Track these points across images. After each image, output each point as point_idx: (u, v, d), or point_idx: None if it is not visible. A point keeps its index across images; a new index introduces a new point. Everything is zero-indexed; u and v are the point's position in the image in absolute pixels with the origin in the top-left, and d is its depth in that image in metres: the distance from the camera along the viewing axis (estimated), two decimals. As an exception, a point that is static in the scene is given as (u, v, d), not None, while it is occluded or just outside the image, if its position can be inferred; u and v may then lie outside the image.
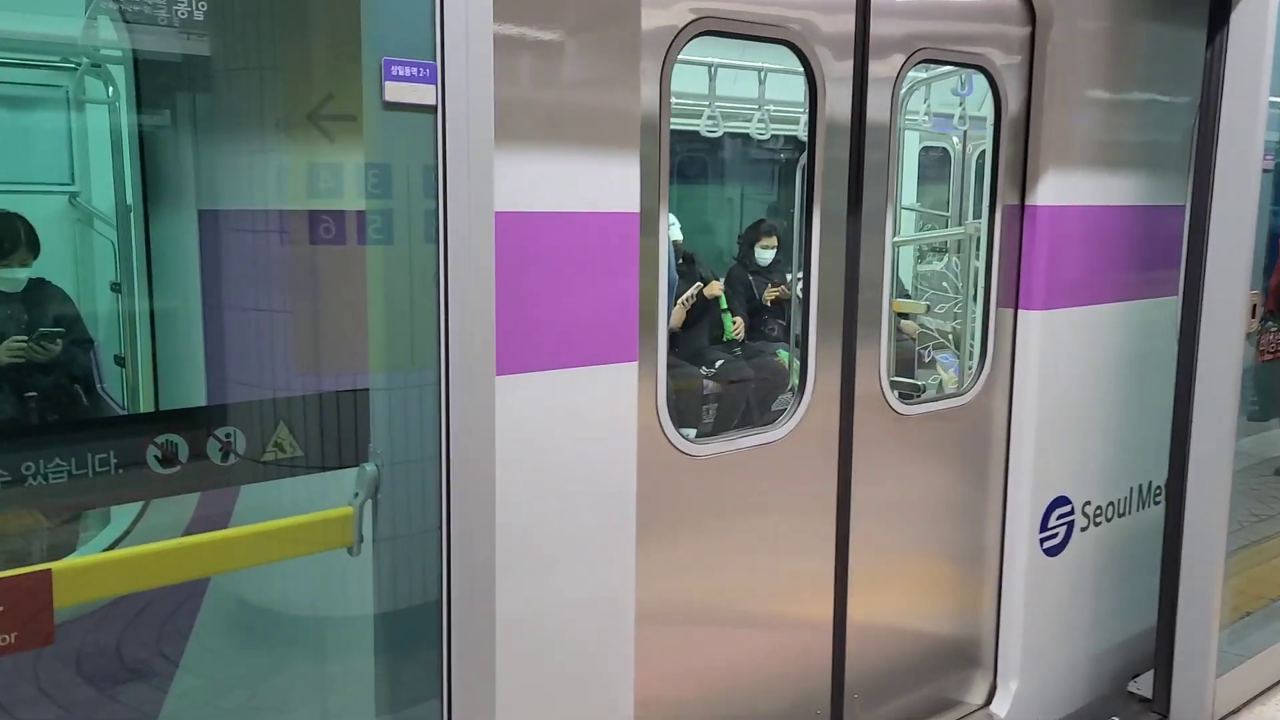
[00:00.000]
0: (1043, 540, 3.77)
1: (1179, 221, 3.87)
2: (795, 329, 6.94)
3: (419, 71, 1.67)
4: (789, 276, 7.22)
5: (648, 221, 2.57)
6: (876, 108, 3.18)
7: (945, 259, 6.44)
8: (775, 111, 6.75)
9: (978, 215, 7.46)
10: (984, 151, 7.23)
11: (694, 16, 2.67)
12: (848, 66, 3.12)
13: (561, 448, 2.34)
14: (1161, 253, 3.90)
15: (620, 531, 2.54)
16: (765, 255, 7.20)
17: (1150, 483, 4.08)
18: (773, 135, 7.00)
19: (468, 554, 1.84)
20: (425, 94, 1.67)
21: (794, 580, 3.20)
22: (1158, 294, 3.91)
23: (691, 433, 3.37)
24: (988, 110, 6.65)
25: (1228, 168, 3.51)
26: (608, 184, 2.43)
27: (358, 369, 2.04)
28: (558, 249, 2.35)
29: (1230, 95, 3.50)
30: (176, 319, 3.30)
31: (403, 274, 2.03)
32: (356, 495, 1.80)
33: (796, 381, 3.16)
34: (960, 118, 6.47)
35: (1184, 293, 3.69)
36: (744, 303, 7.14)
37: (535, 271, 2.29)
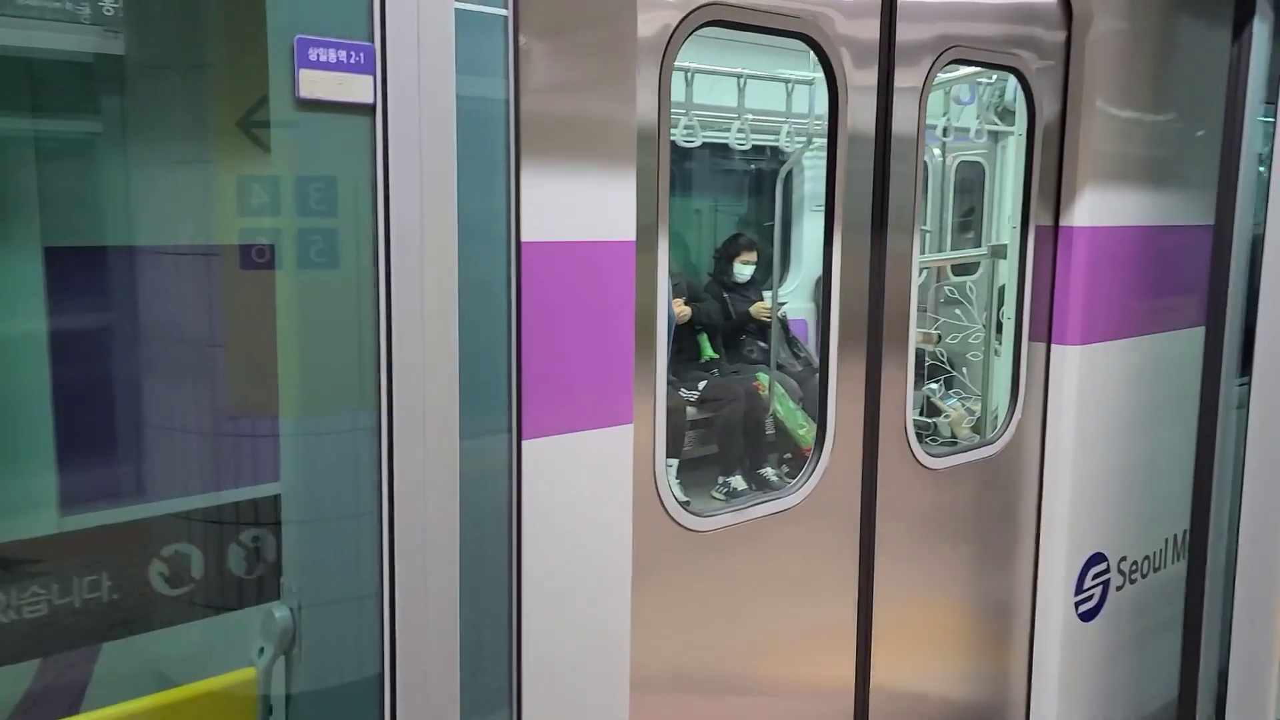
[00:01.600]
0: (1078, 604, 3.34)
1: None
2: (775, 351, 6.54)
3: (350, 57, 1.18)
4: (766, 295, 6.82)
5: (645, 250, 2.09)
6: (903, 115, 2.73)
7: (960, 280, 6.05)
8: (755, 121, 6.33)
9: (963, 231, 7.11)
10: (963, 162, 6.91)
11: (699, 3, 2.19)
12: (872, 70, 2.67)
13: (539, 534, 1.84)
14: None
15: (614, 622, 2.05)
16: (744, 271, 6.78)
17: (1184, 532, 3.67)
18: (753, 145, 6.58)
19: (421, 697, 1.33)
20: (358, 88, 1.17)
21: (813, 671, 2.73)
22: (1201, 321, 3.50)
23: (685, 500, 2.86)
24: (968, 120, 6.34)
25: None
26: (596, 207, 1.94)
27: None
28: (535, 287, 1.86)
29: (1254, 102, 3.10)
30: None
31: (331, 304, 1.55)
32: (262, 651, 1.30)
33: (799, 429, 2.68)
34: (944, 130, 6.08)
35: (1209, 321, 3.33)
36: (721, 321, 6.70)
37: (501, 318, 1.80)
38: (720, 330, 6.69)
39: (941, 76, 3.04)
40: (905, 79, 2.72)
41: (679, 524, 2.30)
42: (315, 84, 1.15)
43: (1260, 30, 3.13)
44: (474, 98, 1.60)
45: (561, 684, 1.88)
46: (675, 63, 2.20)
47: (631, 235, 2.02)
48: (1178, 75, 3.32)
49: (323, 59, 1.15)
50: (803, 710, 2.73)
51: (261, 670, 1.30)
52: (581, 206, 1.90)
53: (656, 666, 2.26)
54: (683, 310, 6.33)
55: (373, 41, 1.18)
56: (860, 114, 2.66)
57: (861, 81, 2.64)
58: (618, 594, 2.07)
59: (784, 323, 6.73)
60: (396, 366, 1.27)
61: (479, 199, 1.58)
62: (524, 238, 1.76)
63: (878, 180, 2.71)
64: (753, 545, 2.48)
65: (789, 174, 6.98)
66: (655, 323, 2.20)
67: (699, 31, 2.24)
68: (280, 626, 1.29)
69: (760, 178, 7.75)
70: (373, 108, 1.20)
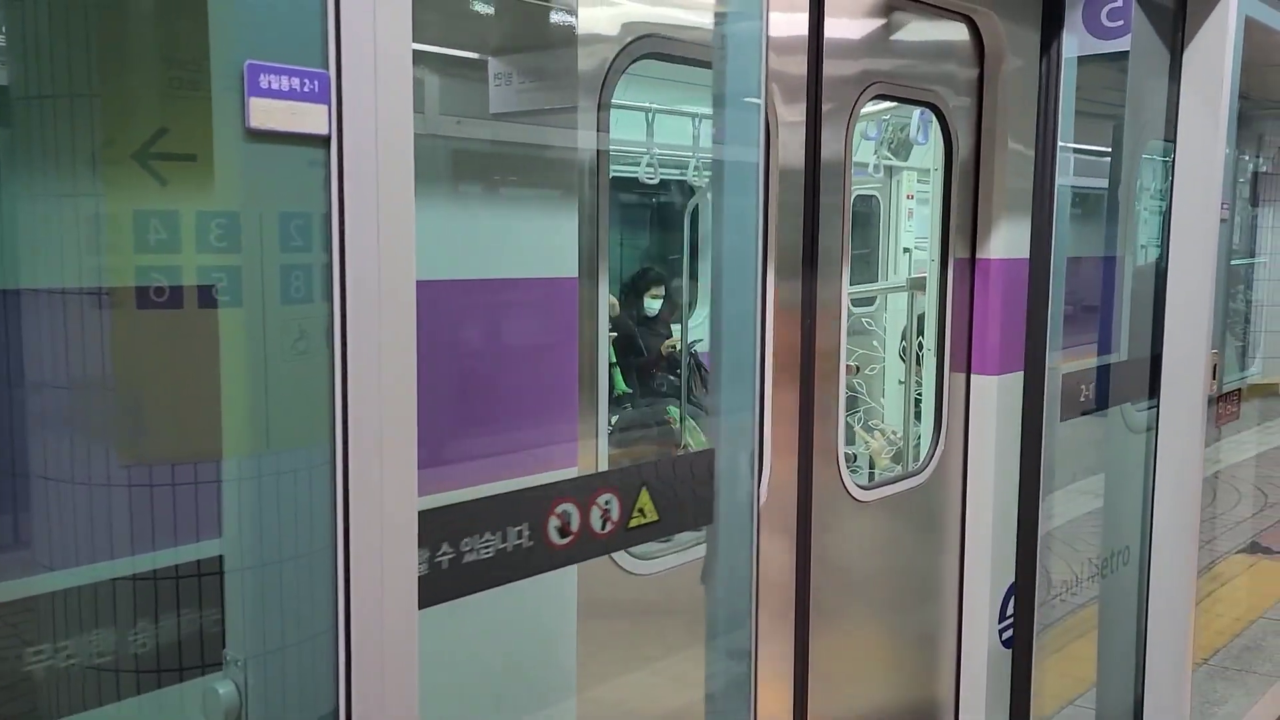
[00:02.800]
0: (1001, 631, 3.38)
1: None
2: (684, 385, 6.54)
3: (304, 85, 1.09)
4: (675, 328, 6.84)
5: (586, 288, 2.04)
6: (831, 147, 2.75)
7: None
8: (662, 155, 6.36)
9: (860, 264, 7.28)
10: (859, 196, 7.08)
11: (638, 35, 2.16)
12: (800, 105, 2.68)
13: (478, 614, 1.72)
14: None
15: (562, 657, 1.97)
16: (653, 305, 6.79)
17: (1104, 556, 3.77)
18: (661, 180, 6.60)
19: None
20: (312, 118, 1.09)
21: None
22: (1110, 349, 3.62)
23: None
24: (865, 155, 6.49)
25: (1185, 217, 3.24)
26: (536, 241, 1.88)
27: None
28: (474, 327, 1.79)
29: (1186, 137, 3.24)
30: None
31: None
32: (201, 732, 1.17)
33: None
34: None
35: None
36: (631, 356, 6.67)
37: (443, 361, 1.71)
38: (630, 363, 6.66)
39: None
40: (832, 114, 2.74)
41: (625, 569, 2.24)
42: (267, 114, 1.06)
43: (1070, 44, 3.04)
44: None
45: None
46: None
47: (574, 271, 1.96)
48: (1083, 109, 3.45)
49: (275, 86, 1.06)
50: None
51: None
52: (523, 242, 1.84)
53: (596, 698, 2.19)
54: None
55: (327, 69, 1.10)
56: (790, 148, 2.67)
57: (790, 117, 2.65)
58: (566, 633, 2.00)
59: (695, 356, 6.74)
60: (352, 403, 1.18)
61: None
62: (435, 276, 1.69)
63: (808, 213, 2.71)
64: (694, 583, 2.42)
65: (695, 208, 7.03)
66: (597, 368, 2.14)
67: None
68: (225, 704, 1.18)
69: (667, 212, 7.79)
70: (327, 139, 1.12)
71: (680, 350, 6.60)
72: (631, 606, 2.28)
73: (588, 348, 2.06)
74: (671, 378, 6.74)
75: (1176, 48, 3.20)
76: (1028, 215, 3.29)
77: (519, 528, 1.60)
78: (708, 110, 5.91)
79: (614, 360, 6.58)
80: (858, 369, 5.00)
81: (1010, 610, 3.41)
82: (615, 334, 6.55)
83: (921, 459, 3.27)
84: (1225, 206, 3.30)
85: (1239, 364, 6.42)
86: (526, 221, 1.90)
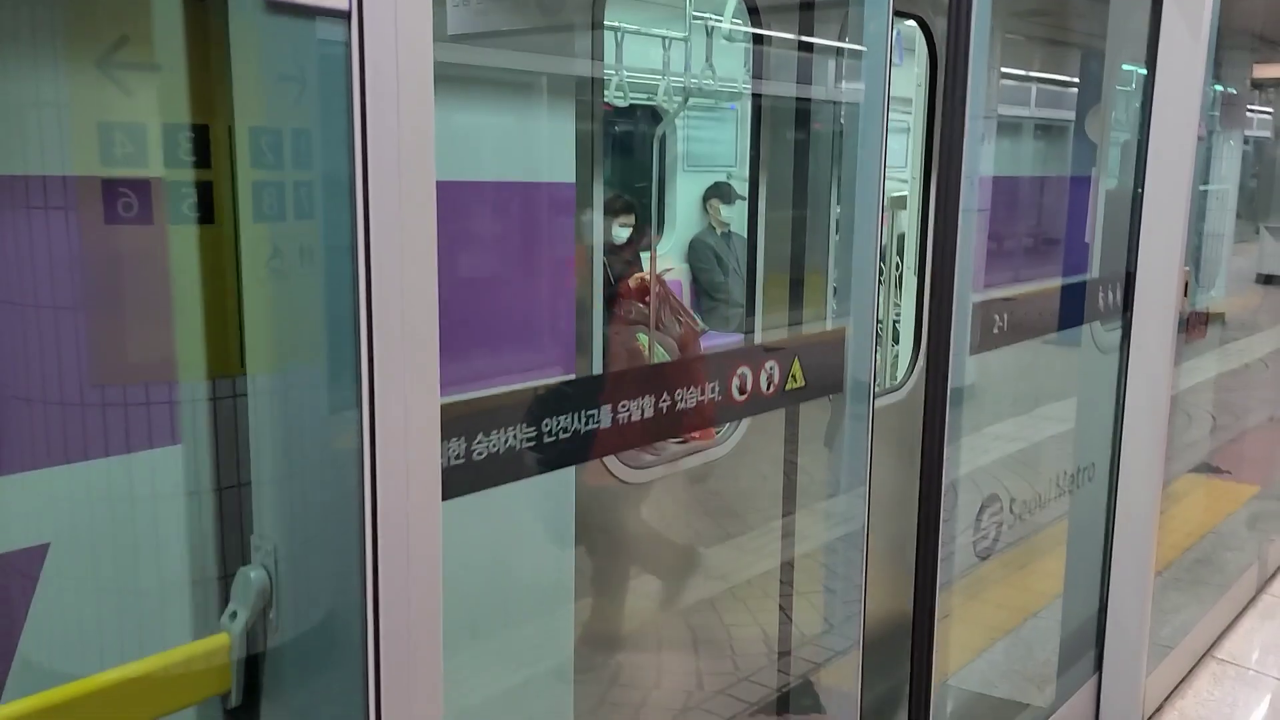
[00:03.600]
0: (976, 543, 3.48)
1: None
2: (656, 312, 6.52)
3: (325, -41, 1.06)
4: (643, 255, 6.80)
5: (582, 200, 2.02)
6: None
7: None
8: (631, 79, 6.26)
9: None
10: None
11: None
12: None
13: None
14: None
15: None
16: (621, 233, 6.73)
17: (1076, 470, 3.86)
18: (630, 104, 6.51)
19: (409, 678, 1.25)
20: (334, -10, 1.06)
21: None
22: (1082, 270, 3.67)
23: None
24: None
25: (1162, 137, 3.27)
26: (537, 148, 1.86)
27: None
28: (480, 227, 1.77)
29: (1166, 57, 3.25)
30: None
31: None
32: (234, 615, 1.18)
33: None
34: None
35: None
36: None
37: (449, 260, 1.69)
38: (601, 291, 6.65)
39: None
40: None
41: (616, 476, 2.26)
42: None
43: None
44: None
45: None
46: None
47: (571, 177, 1.94)
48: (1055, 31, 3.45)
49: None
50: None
51: (235, 635, 1.18)
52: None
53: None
54: None
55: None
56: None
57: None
58: (564, 546, 2.02)
59: (664, 284, 6.73)
60: (376, 301, 1.17)
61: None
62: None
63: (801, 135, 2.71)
64: (684, 491, 2.46)
65: (663, 134, 6.96)
66: (594, 270, 2.14)
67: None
68: (255, 588, 1.18)
69: (634, 138, 7.70)
70: (347, 14, 1.09)
71: (649, 278, 6.59)
72: (627, 514, 2.31)
73: (585, 252, 2.05)
74: (640, 305, 6.73)
75: (1158, -35, 3.20)
76: (1007, 135, 3.31)
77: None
78: (679, 33, 5.82)
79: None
80: (835, 289, 5.01)
81: (984, 522, 3.50)
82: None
83: (899, 377, 3.32)
84: (1202, 126, 3.33)
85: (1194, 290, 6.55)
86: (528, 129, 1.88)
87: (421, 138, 1.20)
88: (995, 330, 2.60)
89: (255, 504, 1.23)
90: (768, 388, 2.17)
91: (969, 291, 2.42)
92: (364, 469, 1.19)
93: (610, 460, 2.23)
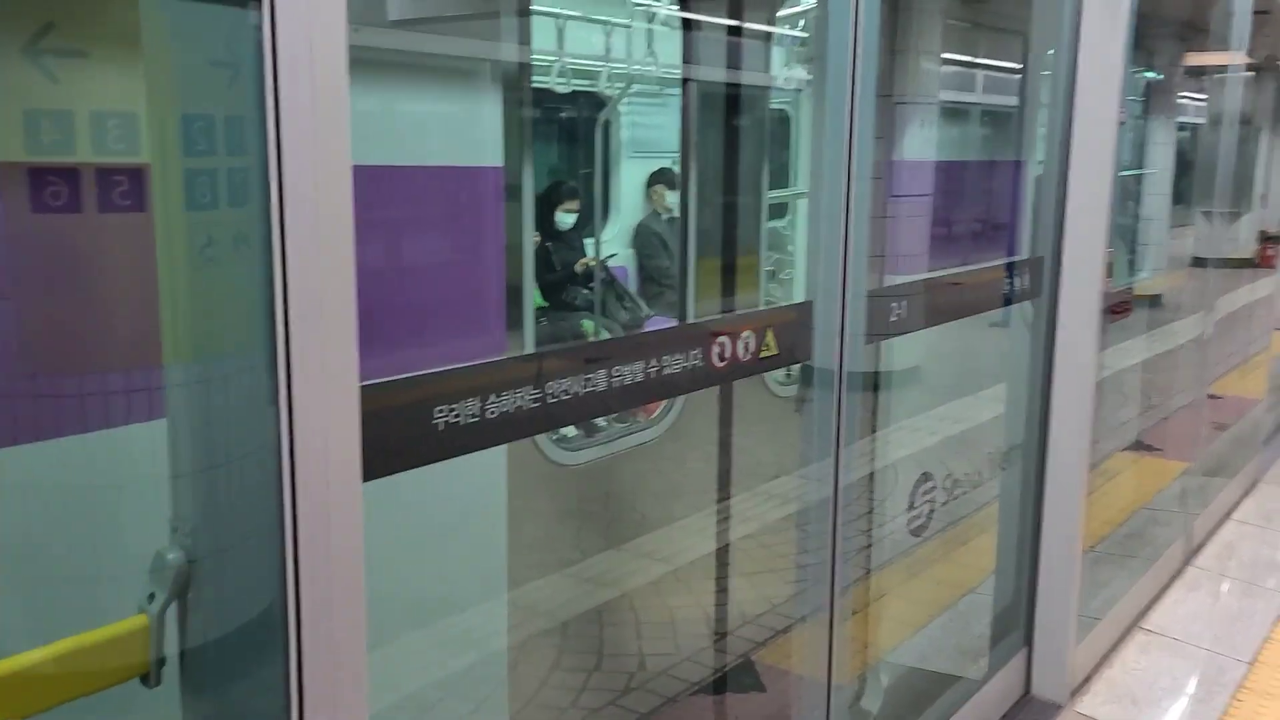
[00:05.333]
0: (910, 520, 3.56)
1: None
2: (601, 298, 6.55)
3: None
4: (588, 242, 6.82)
5: (511, 185, 2.03)
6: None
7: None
8: (574, 65, 6.25)
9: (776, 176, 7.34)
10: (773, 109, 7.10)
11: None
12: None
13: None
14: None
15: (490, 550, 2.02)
16: (566, 220, 6.74)
17: (1010, 447, 3.96)
18: (571, 91, 6.50)
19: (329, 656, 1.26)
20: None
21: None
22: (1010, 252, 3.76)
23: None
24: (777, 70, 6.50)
25: (1085, 120, 3.36)
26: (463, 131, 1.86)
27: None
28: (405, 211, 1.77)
29: (1087, 41, 3.33)
30: None
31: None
32: (153, 598, 1.18)
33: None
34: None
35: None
36: (544, 271, 6.65)
37: (373, 244, 1.70)
38: (545, 279, 6.64)
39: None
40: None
41: (551, 460, 2.28)
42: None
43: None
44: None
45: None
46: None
47: (499, 161, 1.95)
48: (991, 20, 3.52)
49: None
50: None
51: (153, 617, 1.19)
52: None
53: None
54: None
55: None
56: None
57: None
58: (496, 526, 2.04)
59: (609, 271, 6.75)
60: (292, 288, 1.18)
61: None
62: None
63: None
64: (620, 475, 2.49)
65: (607, 121, 6.96)
66: (524, 252, 2.15)
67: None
68: (172, 570, 1.18)
69: (578, 124, 7.69)
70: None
71: (594, 265, 6.59)
72: (559, 497, 2.33)
73: (515, 234, 2.07)
74: (586, 291, 6.74)
75: (1081, -47, 3.28)
76: (930, 124, 3.37)
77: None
78: (622, 20, 5.82)
79: (527, 275, 6.54)
80: (773, 273, 5.08)
81: (918, 502, 3.58)
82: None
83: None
84: (1123, 111, 3.43)
85: (1127, 273, 6.73)
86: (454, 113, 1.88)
87: (336, 124, 1.21)
88: (894, 319, 2.65)
89: (174, 487, 1.23)
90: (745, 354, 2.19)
91: (863, 280, 2.47)
92: (282, 453, 1.20)
93: (544, 444, 2.25)
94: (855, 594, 3.63)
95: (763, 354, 2.22)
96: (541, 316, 6.57)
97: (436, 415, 1.55)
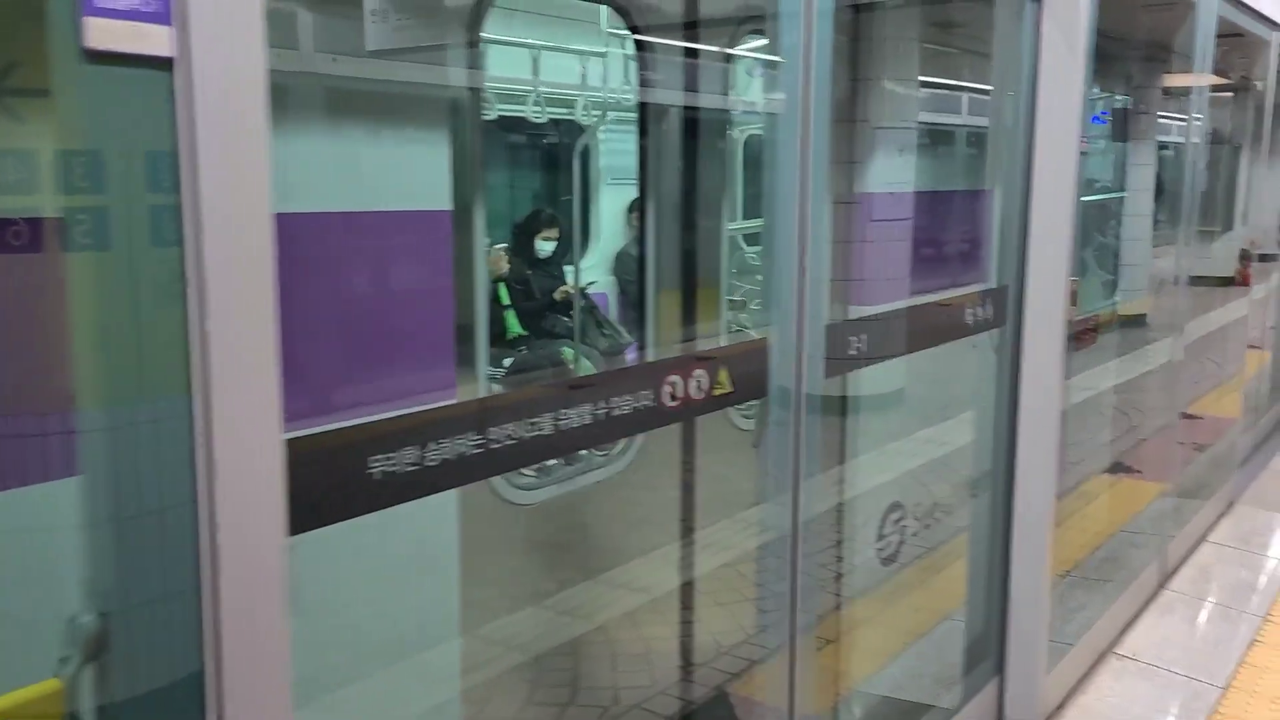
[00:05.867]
0: (880, 550, 3.55)
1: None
2: (581, 326, 6.55)
3: (144, 4, 1.07)
4: (568, 269, 6.83)
5: (461, 224, 2.04)
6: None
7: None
8: (550, 94, 6.29)
9: (754, 203, 7.36)
10: (751, 137, 7.13)
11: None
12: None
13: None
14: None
15: (442, 591, 2.00)
16: (545, 247, 6.76)
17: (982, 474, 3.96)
18: (549, 119, 6.54)
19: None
20: (154, 39, 1.07)
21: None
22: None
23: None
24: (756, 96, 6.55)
25: (1046, 150, 3.38)
26: (409, 175, 1.87)
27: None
28: (348, 257, 1.77)
29: (1047, 72, 3.36)
30: None
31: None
32: (66, 661, 1.17)
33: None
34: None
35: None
36: (523, 298, 6.66)
37: (314, 291, 1.70)
38: (525, 307, 6.65)
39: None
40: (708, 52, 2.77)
41: (506, 500, 2.28)
42: (105, 33, 1.03)
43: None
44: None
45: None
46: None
47: (447, 205, 1.96)
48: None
49: (113, 6, 1.03)
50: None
51: (67, 681, 1.18)
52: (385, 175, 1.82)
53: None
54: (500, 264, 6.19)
55: (169, -12, 1.08)
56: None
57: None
58: (447, 571, 2.03)
59: (589, 298, 6.76)
60: (214, 348, 1.18)
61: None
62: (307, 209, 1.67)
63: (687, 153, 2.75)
64: (580, 513, 2.48)
65: (585, 148, 6.99)
66: (477, 294, 2.15)
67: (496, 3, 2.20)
68: (86, 634, 1.17)
69: (557, 152, 7.72)
70: (172, 61, 1.10)
71: (574, 292, 6.60)
72: (514, 536, 2.33)
73: (465, 277, 2.07)
74: (566, 319, 6.74)
75: (1039, -14, 3.31)
76: (899, 152, 3.39)
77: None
78: (598, 48, 5.85)
79: (507, 303, 6.55)
80: (744, 304, 5.10)
81: (887, 529, 3.58)
82: (508, 277, 6.52)
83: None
84: (1085, 140, 3.45)
85: (1104, 296, 6.76)
86: (400, 157, 1.89)
87: (255, 169, 1.21)
88: (853, 351, 2.65)
89: (90, 544, 1.23)
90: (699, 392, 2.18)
91: (822, 312, 2.47)
92: (201, 507, 1.20)
93: (498, 483, 2.25)
94: (826, 624, 3.62)
95: (717, 391, 2.22)
96: (520, 344, 6.57)
97: (372, 464, 1.55)
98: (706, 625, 2.97)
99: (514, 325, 6.59)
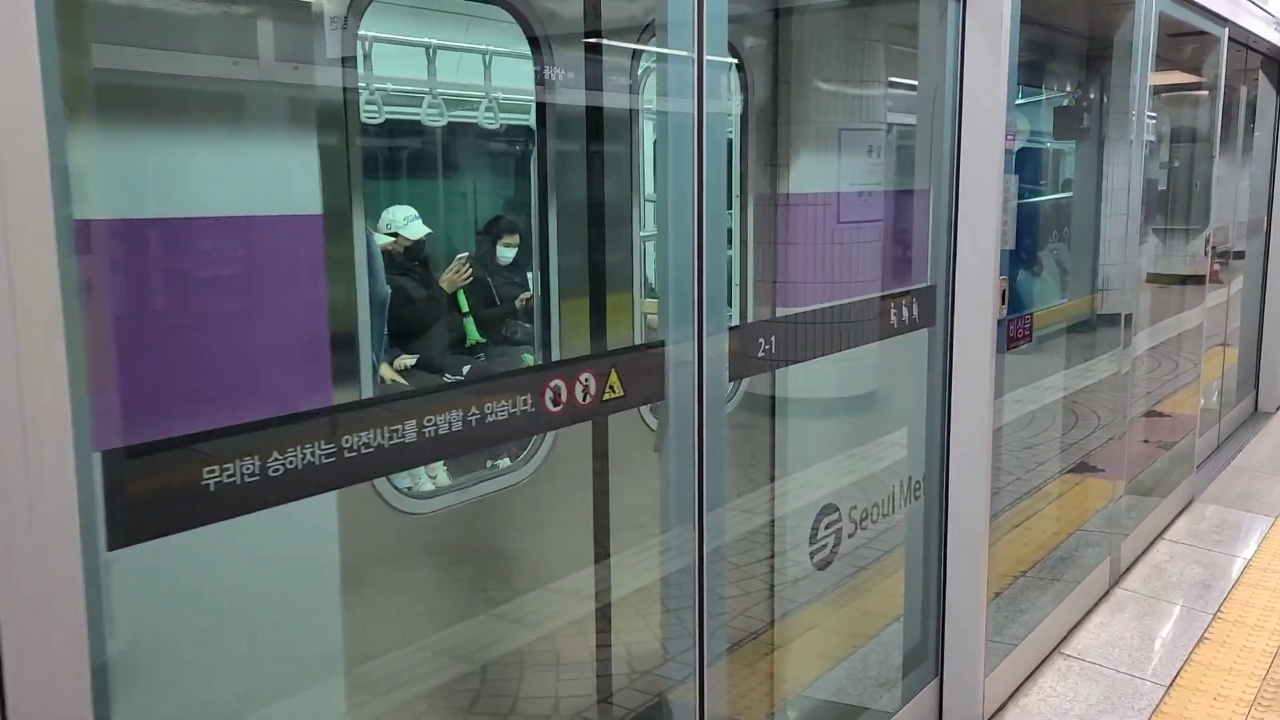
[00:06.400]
0: (813, 554, 3.52)
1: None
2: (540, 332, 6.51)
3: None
4: (529, 275, 6.79)
5: (337, 229, 2.01)
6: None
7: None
8: (505, 99, 6.24)
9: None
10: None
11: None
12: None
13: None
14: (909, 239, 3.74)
15: (325, 613, 1.97)
16: (507, 254, 6.73)
17: (911, 479, 3.94)
18: (503, 125, 6.50)
19: None
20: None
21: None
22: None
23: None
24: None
25: (972, 150, 3.37)
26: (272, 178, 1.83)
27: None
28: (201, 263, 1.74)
29: (971, 73, 3.35)
30: None
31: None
32: None
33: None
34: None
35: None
36: (484, 305, 6.62)
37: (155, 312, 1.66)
38: (484, 314, 6.61)
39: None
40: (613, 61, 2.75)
41: (397, 509, 2.24)
42: None
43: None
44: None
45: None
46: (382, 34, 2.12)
47: (316, 209, 1.92)
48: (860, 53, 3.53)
49: None
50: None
51: None
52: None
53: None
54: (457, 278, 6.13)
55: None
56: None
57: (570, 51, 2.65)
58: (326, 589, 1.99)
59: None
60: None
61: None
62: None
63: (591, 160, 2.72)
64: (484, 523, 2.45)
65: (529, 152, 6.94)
66: (356, 301, 2.12)
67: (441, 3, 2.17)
68: None
69: (512, 159, 7.69)
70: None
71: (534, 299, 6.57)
72: (405, 549, 2.29)
73: (341, 284, 2.04)
74: (527, 325, 6.72)
75: (960, -13, 3.30)
76: (825, 152, 3.37)
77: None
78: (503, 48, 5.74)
79: (466, 310, 6.51)
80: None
81: (821, 534, 3.55)
82: (469, 283, 6.49)
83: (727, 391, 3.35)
84: (1011, 138, 3.44)
85: (1059, 293, 6.73)
86: (262, 159, 1.85)
87: (35, 171, 1.18)
88: (761, 354, 2.62)
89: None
90: (584, 399, 2.15)
91: (723, 316, 2.44)
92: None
93: (384, 488, 2.21)
94: (765, 635, 3.59)
95: (606, 397, 2.19)
96: (479, 351, 6.53)
97: (207, 475, 1.52)
98: (621, 639, 2.93)
99: (473, 332, 6.55)
